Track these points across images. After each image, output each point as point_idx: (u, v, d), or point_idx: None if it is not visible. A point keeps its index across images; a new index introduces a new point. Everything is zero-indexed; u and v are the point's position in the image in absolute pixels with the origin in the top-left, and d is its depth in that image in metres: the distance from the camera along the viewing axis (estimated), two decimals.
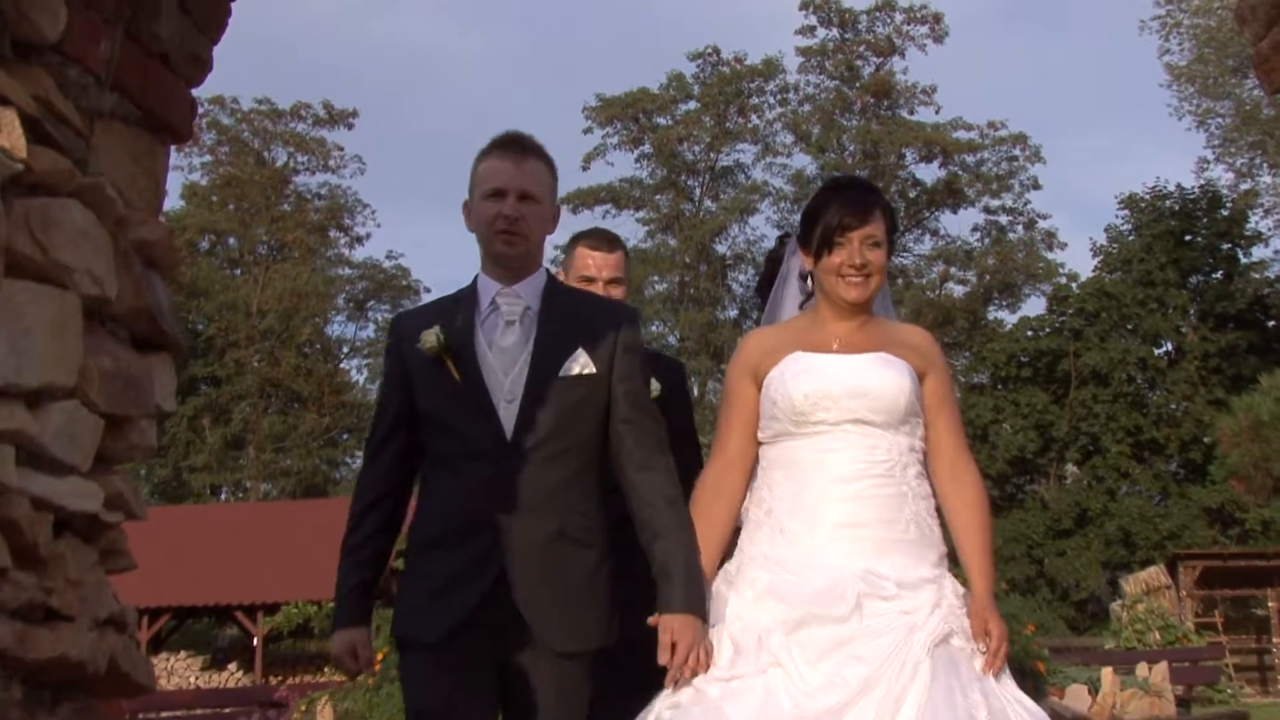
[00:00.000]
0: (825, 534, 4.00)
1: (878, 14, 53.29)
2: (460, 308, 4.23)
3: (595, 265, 5.06)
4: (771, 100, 55.64)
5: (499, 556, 4.00)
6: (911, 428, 4.14)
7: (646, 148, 55.10)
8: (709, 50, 54.95)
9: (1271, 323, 42.90)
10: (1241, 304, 42.22)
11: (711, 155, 55.96)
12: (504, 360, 4.13)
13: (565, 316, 4.20)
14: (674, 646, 3.91)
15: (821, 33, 53.72)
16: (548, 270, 4.33)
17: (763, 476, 4.23)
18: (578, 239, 5.18)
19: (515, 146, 4.21)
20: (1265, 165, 41.76)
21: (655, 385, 4.78)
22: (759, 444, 4.27)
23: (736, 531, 4.28)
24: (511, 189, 4.12)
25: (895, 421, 4.08)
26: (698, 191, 56.54)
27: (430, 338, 4.10)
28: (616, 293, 5.05)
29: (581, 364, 4.11)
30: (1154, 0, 42.55)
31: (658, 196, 55.58)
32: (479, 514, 4.04)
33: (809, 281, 4.42)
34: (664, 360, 5.66)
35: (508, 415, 4.06)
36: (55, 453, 2.92)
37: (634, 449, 4.14)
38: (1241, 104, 40.43)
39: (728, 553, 4.24)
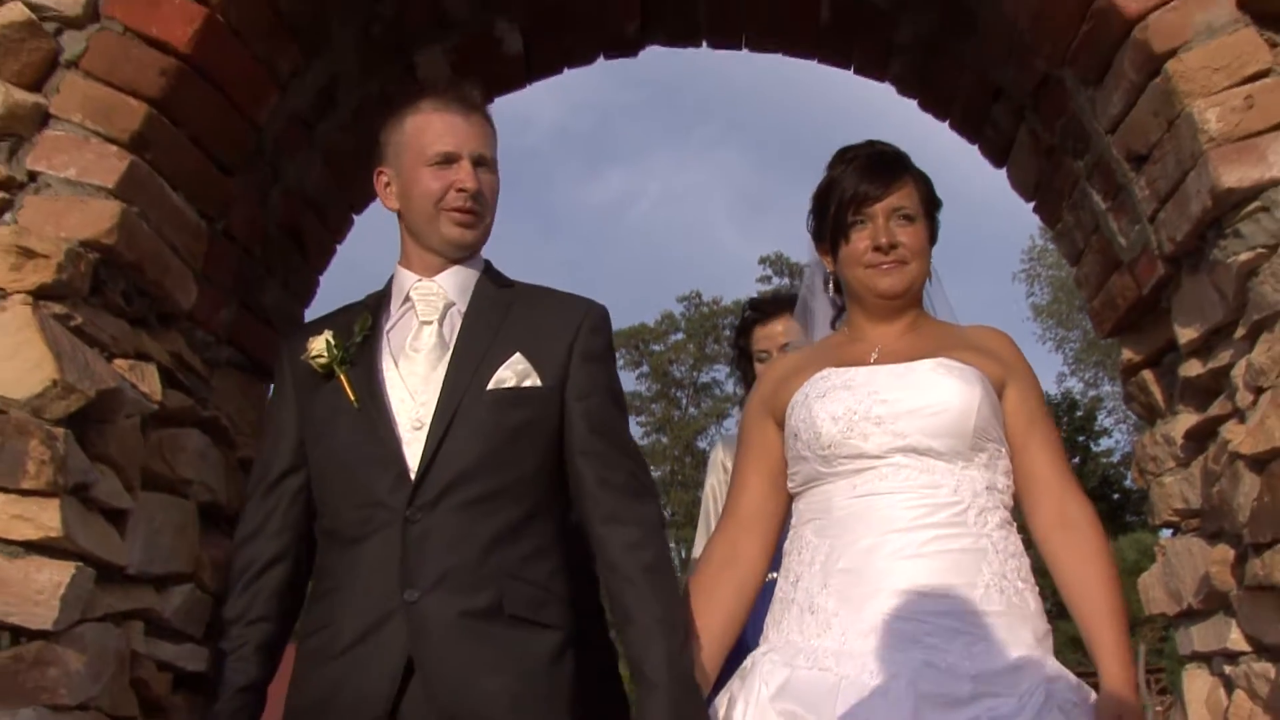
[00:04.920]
0: (871, 609, 2.22)
1: None
2: (368, 312, 2.52)
3: None
4: None
5: (402, 641, 2.20)
6: (989, 458, 2.37)
7: (645, 368, 55.40)
8: (693, 294, 55.56)
9: (1116, 495, 42.94)
10: (1094, 482, 42.25)
11: (694, 374, 56.21)
12: (414, 373, 2.37)
13: (501, 313, 2.44)
14: None
15: (776, 280, 54.45)
16: (487, 261, 2.54)
17: (792, 538, 2.45)
18: None
19: (460, 97, 2.46)
20: (1106, 378, 42.08)
21: None
22: (791, 496, 2.52)
23: None
24: (466, 153, 2.41)
25: (963, 448, 2.33)
26: (684, 401, 56.69)
27: (318, 345, 2.41)
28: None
29: (519, 373, 2.34)
30: (1020, 258, 43.27)
31: (653, 405, 55.66)
32: (379, 593, 2.24)
33: (835, 288, 2.65)
34: None
35: (413, 446, 2.29)
36: (176, 625, 2.86)
37: (598, 492, 2.32)
38: (1088, 333, 40.80)
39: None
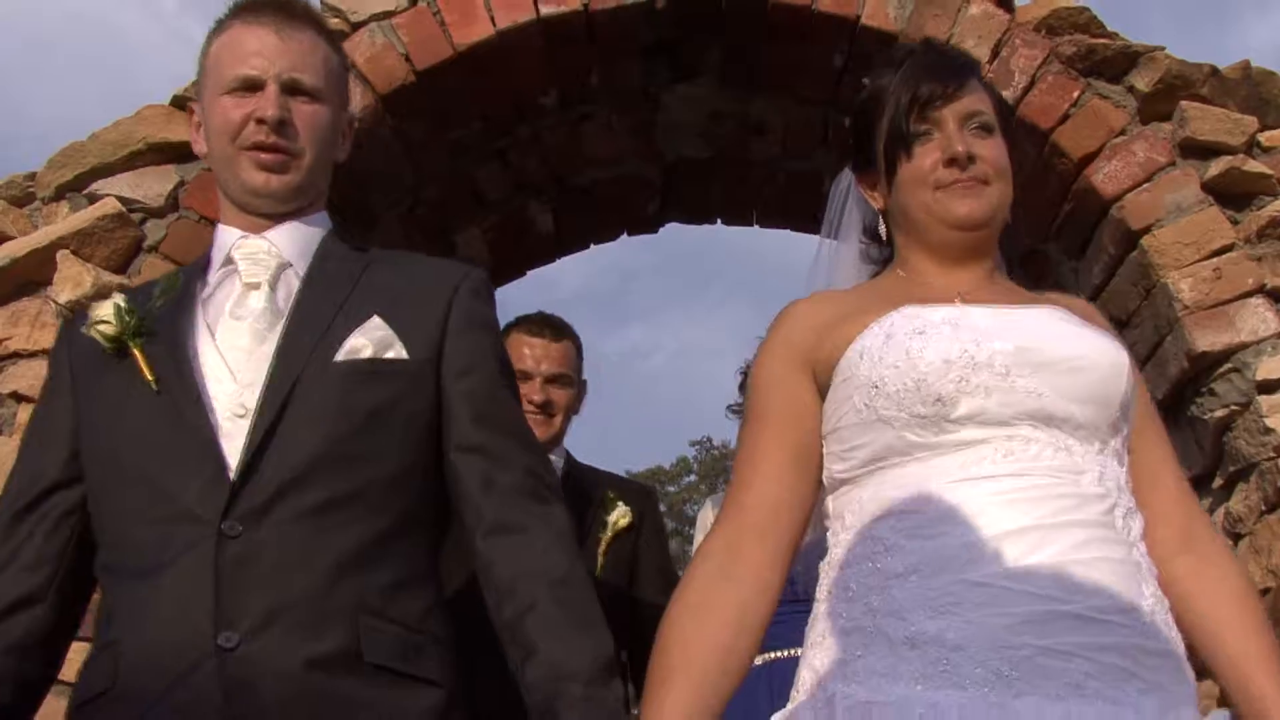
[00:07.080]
0: (1008, 640, 1.33)
1: None
2: (178, 274, 1.75)
3: (533, 357, 2.70)
4: None
5: (215, 702, 1.41)
6: (1121, 445, 1.52)
7: (662, 507, 55.36)
8: (705, 439, 55.32)
9: None
10: None
11: None
12: (236, 346, 1.61)
13: (353, 273, 1.69)
14: None
15: None
16: (335, 220, 1.81)
17: (857, 542, 1.48)
18: (514, 325, 2.79)
19: (280, 7, 1.70)
20: None
21: (624, 509, 2.74)
22: (828, 488, 1.56)
23: None
24: (272, 75, 1.65)
25: (1104, 424, 1.48)
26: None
27: (104, 310, 1.63)
28: (559, 397, 2.72)
29: (378, 341, 1.61)
30: None
31: (671, 541, 55.53)
32: (182, 637, 1.44)
33: (883, 231, 1.70)
34: (632, 486, 2.98)
35: (234, 438, 1.53)
36: None
37: (481, 497, 1.59)
38: None
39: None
